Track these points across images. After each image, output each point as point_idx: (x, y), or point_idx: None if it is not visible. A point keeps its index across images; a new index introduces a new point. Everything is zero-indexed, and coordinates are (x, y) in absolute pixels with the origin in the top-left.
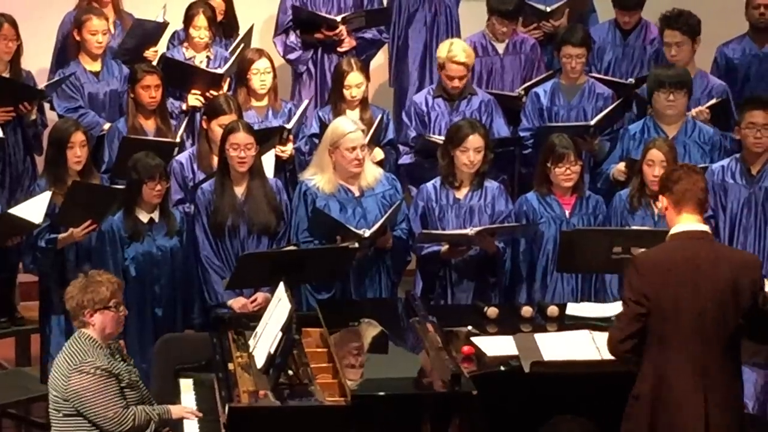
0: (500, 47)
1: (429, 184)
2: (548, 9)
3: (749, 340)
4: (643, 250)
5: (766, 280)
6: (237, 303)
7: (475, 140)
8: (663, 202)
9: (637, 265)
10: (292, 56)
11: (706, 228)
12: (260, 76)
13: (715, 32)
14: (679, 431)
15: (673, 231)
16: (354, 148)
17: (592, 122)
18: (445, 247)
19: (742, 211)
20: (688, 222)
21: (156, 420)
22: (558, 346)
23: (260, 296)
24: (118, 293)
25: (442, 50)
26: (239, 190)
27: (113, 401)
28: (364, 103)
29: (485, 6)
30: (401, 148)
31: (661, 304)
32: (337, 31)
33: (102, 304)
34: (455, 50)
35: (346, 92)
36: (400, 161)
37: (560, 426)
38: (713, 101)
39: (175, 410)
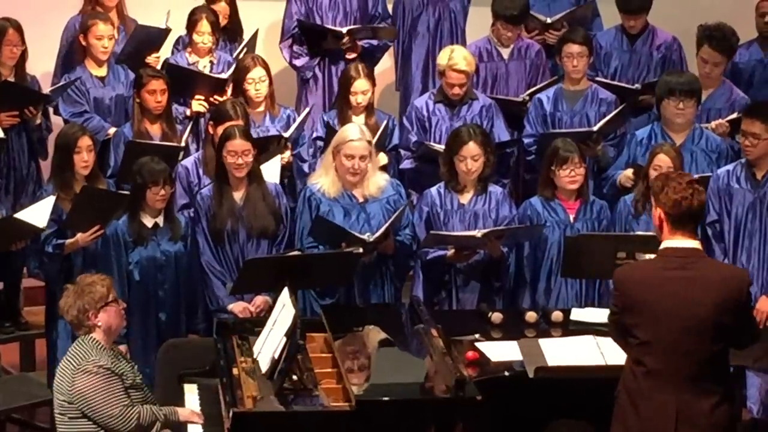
0: (505, 52)
1: (433, 189)
2: (548, 20)
3: (735, 349)
4: (649, 256)
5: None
6: (238, 307)
7: (471, 149)
8: (658, 215)
9: (615, 281)
10: (298, 63)
11: (696, 245)
12: (255, 85)
13: None
14: None
15: (664, 246)
16: (352, 157)
17: (595, 128)
18: (451, 252)
19: (747, 216)
20: (680, 239)
21: (162, 420)
22: (562, 352)
23: (259, 299)
24: (112, 288)
25: (443, 57)
26: (238, 195)
27: (117, 398)
28: (369, 109)
29: (490, 11)
30: (402, 152)
31: (639, 318)
32: (344, 41)
33: (103, 301)
34: (456, 58)
35: (352, 98)
36: (402, 166)
37: (560, 430)
38: (734, 116)
39: (182, 412)
